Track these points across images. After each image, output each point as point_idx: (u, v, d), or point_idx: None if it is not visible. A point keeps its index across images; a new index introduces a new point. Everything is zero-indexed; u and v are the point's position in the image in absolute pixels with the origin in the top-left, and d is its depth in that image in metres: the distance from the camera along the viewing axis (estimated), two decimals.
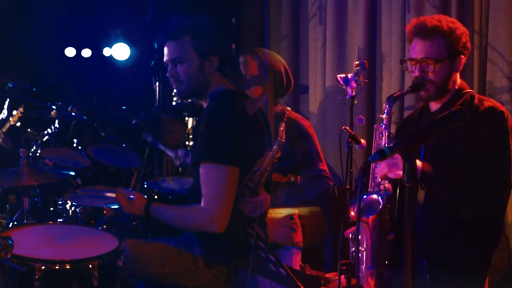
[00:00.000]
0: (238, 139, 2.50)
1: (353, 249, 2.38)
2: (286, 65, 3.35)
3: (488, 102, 2.39)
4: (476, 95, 2.44)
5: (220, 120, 2.51)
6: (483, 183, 2.27)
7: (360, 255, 2.27)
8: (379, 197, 2.28)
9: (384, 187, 2.33)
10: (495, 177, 2.28)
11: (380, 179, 2.35)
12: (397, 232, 2.34)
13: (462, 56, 2.42)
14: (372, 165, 2.38)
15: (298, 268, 3.16)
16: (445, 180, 2.30)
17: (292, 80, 3.39)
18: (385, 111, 2.42)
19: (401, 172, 2.24)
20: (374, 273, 2.26)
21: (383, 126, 2.44)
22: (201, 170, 2.50)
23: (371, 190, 2.37)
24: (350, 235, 2.42)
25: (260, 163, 2.59)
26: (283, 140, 2.66)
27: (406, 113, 3.72)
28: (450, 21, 2.41)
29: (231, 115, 2.53)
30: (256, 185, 2.58)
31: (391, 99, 2.41)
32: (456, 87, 2.44)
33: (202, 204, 2.47)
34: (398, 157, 2.24)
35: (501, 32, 3.30)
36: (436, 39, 2.37)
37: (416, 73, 2.41)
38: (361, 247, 2.29)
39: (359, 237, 2.27)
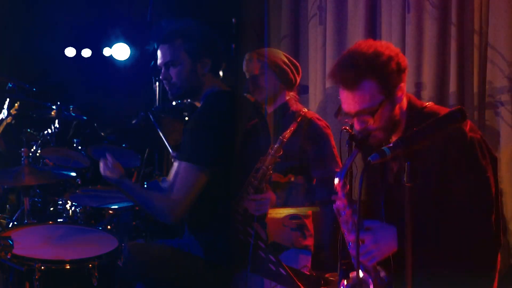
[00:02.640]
0: (224, 141, 2.52)
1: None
2: (286, 57, 3.34)
3: (441, 113, 1.97)
4: (429, 106, 2.14)
5: (206, 121, 2.55)
6: (465, 208, 2.01)
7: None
8: (368, 278, 2.05)
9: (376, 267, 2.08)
10: (475, 199, 2.02)
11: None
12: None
13: (402, 83, 2.07)
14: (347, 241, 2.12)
15: (307, 272, 3.14)
16: (425, 215, 2.04)
17: (299, 68, 3.37)
18: (337, 188, 2.08)
19: (372, 263, 2.03)
20: None
21: (342, 205, 2.11)
22: (177, 165, 2.55)
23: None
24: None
25: (263, 161, 2.63)
26: (284, 140, 2.70)
27: None
28: (373, 54, 2.02)
29: (218, 117, 2.55)
30: (260, 183, 2.60)
31: (342, 172, 2.05)
32: (405, 109, 2.12)
33: (169, 195, 2.51)
34: (368, 243, 2.03)
35: (501, 32, 3.30)
36: (365, 86, 2.01)
37: (357, 127, 2.09)
38: None
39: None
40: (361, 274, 2.06)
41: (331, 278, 3.15)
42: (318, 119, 3.27)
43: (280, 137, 2.72)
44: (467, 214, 2.01)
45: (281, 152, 2.70)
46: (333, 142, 3.20)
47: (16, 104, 4.25)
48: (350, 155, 2.05)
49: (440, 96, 3.60)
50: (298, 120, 2.84)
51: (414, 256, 1.94)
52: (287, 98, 3.34)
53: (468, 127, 2.04)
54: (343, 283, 2.10)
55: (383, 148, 1.76)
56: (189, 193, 2.49)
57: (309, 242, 3.25)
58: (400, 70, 2.06)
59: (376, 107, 2.02)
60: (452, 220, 2.03)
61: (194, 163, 2.48)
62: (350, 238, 2.10)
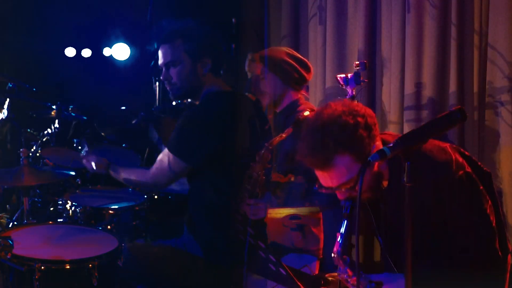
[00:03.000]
0: (212, 139, 2.57)
1: None
2: (289, 54, 3.23)
3: (434, 161, 1.94)
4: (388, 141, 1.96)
5: (196, 118, 2.60)
6: (468, 243, 1.94)
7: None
8: None
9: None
10: (480, 238, 1.95)
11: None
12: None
13: (375, 143, 1.95)
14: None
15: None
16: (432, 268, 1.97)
17: (307, 64, 3.25)
18: (339, 262, 2.01)
19: None
20: None
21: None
22: (164, 150, 2.68)
23: None
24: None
25: (253, 168, 2.61)
26: (270, 147, 2.64)
27: (406, 113, 3.72)
28: (336, 123, 1.89)
29: (211, 116, 2.58)
30: (253, 188, 2.59)
31: (338, 249, 1.97)
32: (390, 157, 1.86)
33: (151, 174, 2.73)
34: None
35: (501, 32, 3.30)
36: (339, 162, 1.90)
37: (340, 197, 1.99)
38: None
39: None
40: None
41: (331, 278, 3.15)
42: None
43: (266, 144, 2.66)
44: (472, 250, 1.96)
45: (270, 158, 2.66)
46: None
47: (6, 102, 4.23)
48: (344, 227, 1.98)
49: (440, 96, 3.60)
50: (293, 126, 2.79)
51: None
52: (296, 97, 3.25)
53: (453, 166, 1.95)
54: None
55: (383, 148, 1.75)
56: (171, 180, 2.73)
57: (315, 247, 3.21)
58: (370, 132, 1.93)
59: (356, 177, 1.90)
60: (456, 257, 1.98)
61: (180, 157, 2.60)
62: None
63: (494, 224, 1.98)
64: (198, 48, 2.63)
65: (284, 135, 2.76)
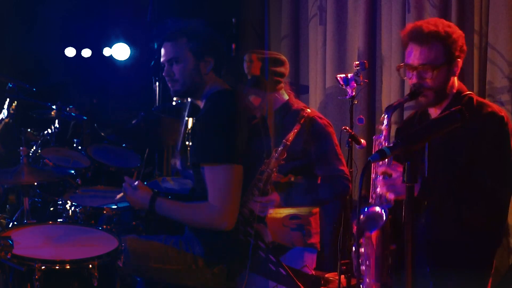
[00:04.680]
0: (235, 137, 2.53)
1: (355, 263, 2.33)
2: (257, 56, 3.29)
3: (488, 107, 2.33)
4: (475, 98, 2.39)
5: (216, 120, 2.55)
6: (486, 189, 2.22)
7: (363, 267, 2.20)
8: (382, 210, 2.20)
9: (386, 198, 2.24)
10: (498, 182, 2.23)
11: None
12: (399, 240, 2.29)
13: (459, 59, 2.36)
14: (373, 175, 2.30)
15: (313, 270, 3.13)
16: (447, 188, 2.25)
17: (280, 59, 3.32)
18: (384, 122, 2.30)
19: (393, 197, 2.19)
20: (378, 285, 2.22)
21: (382, 137, 2.31)
22: (205, 171, 2.53)
23: (373, 202, 2.28)
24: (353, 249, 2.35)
25: (267, 164, 2.66)
26: (288, 143, 2.72)
27: (406, 113, 3.72)
28: (446, 25, 2.34)
29: (227, 115, 2.56)
30: (265, 185, 2.63)
31: (389, 109, 2.30)
32: (454, 91, 2.38)
33: (211, 202, 2.50)
34: (396, 177, 2.18)
35: (501, 32, 3.30)
36: (433, 45, 2.30)
37: (414, 80, 2.34)
38: (365, 262, 2.18)
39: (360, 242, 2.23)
40: (377, 208, 2.21)
41: (331, 278, 3.16)
42: (320, 117, 3.25)
43: (284, 140, 2.74)
44: (489, 183, 2.22)
45: (285, 155, 2.73)
46: (336, 140, 3.20)
47: (13, 104, 4.24)
48: (398, 101, 2.34)
49: None
50: (302, 122, 2.84)
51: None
52: (286, 97, 3.32)
53: (506, 116, 2.30)
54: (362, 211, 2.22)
55: (383, 148, 1.77)
56: (231, 192, 2.49)
57: (315, 239, 3.25)
58: (462, 51, 2.36)
59: (437, 65, 2.29)
60: (473, 189, 2.23)
61: (223, 163, 2.49)
62: (379, 169, 2.25)
63: None
64: (202, 47, 2.64)
65: (296, 130, 2.81)
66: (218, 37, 2.73)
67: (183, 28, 2.67)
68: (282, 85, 3.33)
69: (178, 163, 3.41)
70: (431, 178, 2.30)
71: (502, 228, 2.36)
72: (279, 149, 2.71)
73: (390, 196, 2.20)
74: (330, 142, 3.19)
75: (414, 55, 2.33)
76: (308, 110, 3.04)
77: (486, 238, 2.29)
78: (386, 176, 2.21)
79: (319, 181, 3.22)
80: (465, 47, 2.37)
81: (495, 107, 2.35)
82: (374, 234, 2.15)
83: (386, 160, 2.19)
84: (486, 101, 2.43)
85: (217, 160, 2.50)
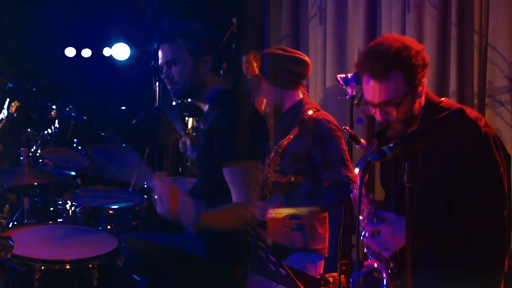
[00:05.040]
0: (248, 133, 2.54)
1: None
2: (281, 53, 3.15)
3: (469, 113, 2.08)
4: (446, 105, 2.18)
5: (233, 119, 2.55)
6: (478, 201, 2.05)
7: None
8: (381, 268, 2.06)
9: (381, 255, 2.10)
10: (489, 193, 2.05)
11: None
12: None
13: (424, 79, 2.12)
14: (361, 230, 2.13)
15: (318, 275, 3.09)
16: (438, 208, 2.10)
17: (302, 59, 3.15)
18: (357, 177, 2.06)
19: (388, 254, 2.07)
20: None
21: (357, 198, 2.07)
22: (228, 170, 2.51)
23: (368, 254, 2.13)
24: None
25: (261, 170, 2.64)
26: (280, 150, 2.68)
27: None
28: (401, 47, 2.07)
29: (238, 114, 2.57)
30: (262, 190, 2.62)
31: (362, 161, 2.00)
32: (423, 105, 2.16)
33: (239, 200, 2.48)
34: (386, 234, 2.06)
35: (501, 32, 3.30)
36: (392, 78, 2.05)
37: (378, 118, 2.12)
38: None
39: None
40: (375, 264, 2.09)
41: (331, 278, 3.15)
42: (328, 121, 3.08)
43: (276, 146, 2.70)
44: (479, 207, 2.05)
45: (279, 161, 2.70)
46: (343, 145, 3.05)
47: (13, 104, 4.23)
48: (370, 145, 2.08)
49: (440, 96, 3.60)
50: (299, 126, 2.80)
51: (424, 250, 2.05)
52: (299, 97, 3.20)
53: (483, 122, 2.09)
54: (356, 273, 2.08)
55: (383, 148, 1.77)
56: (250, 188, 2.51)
57: (320, 245, 3.19)
58: (425, 65, 2.11)
59: (401, 98, 2.06)
60: (464, 214, 2.07)
61: (246, 161, 2.50)
62: (366, 228, 2.12)
63: (506, 191, 2.08)
64: (199, 47, 2.63)
65: (291, 136, 2.77)
66: (216, 36, 2.72)
67: (180, 29, 2.66)
68: (297, 85, 3.22)
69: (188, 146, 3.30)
70: (414, 214, 2.01)
71: (508, 236, 2.18)
72: (271, 155, 2.69)
73: (385, 253, 2.09)
74: (336, 147, 3.02)
75: (374, 92, 2.09)
76: (310, 112, 2.97)
77: (491, 250, 2.14)
78: (376, 233, 2.08)
79: (324, 185, 3.14)
80: (427, 60, 2.13)
81: (473, 114, 2.12)
82: None
83: (370, 213, 2.10)
84: (463, 107, 2.11)
85: (241, 159, 2.49)
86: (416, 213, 2.03)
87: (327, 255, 3.19)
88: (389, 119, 2.10)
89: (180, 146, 3.29)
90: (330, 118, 3.13)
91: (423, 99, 2.17)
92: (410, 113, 2.12)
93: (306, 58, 3.18)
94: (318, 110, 3.11)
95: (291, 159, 2.99)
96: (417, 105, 2.13)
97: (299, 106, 3.15)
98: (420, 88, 2.12)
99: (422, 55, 2.11)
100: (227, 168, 2.52)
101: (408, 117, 2.12)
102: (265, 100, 3.24)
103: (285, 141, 2.75)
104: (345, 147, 3.04)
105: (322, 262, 3.16)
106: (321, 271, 3.14)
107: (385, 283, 2.03)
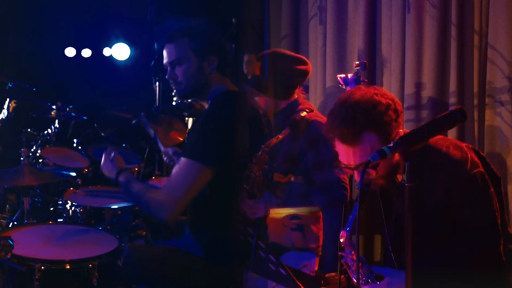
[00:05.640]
0: (229, 141, 2.52)
1: None
2: (285, 59, 3.22)
3: (449, 157, 1.99)
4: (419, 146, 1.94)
5: (213, 121, 2.53)
6: (474, 241, 1.97)
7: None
8: None
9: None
10: (485, 232, 1.98)
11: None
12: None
13: (399, 129, 2.01)
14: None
15: (312, 273, 3.10)
16: (432, 256, 2.03)
17: (303, 60, 3.22)
18: (345, 243, 2.01)
19: None
20: None
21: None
22: (179, 161, 2.53)
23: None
24: None
25: (251, 169, 2.62)
26: (267, 149, 2.66)
27: (406, 113, 3.72)
28: (369, 101, 1.96)
29: (227, 118, 2.54)
30: (251, 188, 2.60)
31: (347, 229, 1.98)
32: (398, 154, 2.00)
33: (164, 190, 2.50)
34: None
35: (501, 32, 3.30)
36: (365, 139, 1.95)
37: (357, 178, 2.02)
38: None
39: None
40: None
41: (331, 278, 3.15)
42: (319, 122, 3.10)
43: (263, 146, 2.68)
44: (476, 250, 1.99)
45: (266, 159, 2.68)
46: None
47: (12, 103, 4.22)
48: (352, 210, 2.01)
49: (440, 96, 3.60)
50: (291, 126, 2.81)
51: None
52: (294, 98, 3.24)
53: (468, 164, 1.98)
54: None
55: (383, 148, 1.76)
56: (189, 190, 2.47)
57: (314, 244, 3.21)
58: (398, 117, 2.01)
59: (375, 162, 1.87)
60: (460, 256, 2.01)
61: (196, 160, 2.47)
62: None
63: (500, 228, 2.00)
64: (204, 46, 2.60)
65: (280, 136, 2.76)
66: (221, 35, 2.69)
67: (184, 28, 2.62)
68: (294, 90, 3.26)
69: (170, 149, 3.36)
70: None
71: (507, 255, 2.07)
72: (258, 154, 2.65)
73: None
74: (328, 148, 3.03)
75: (348, 156, 2.00)
76: (303, 114, 2.98)
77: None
78: None
79: (315, 186, 3.16)
80: (400, 109, 2.01)
81: (456, 154, 1.99)
82: None
83: (362, 271, 2.04)
84: (444, 147, 2.03)
85: (194, 157, 2.48)
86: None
87: (320, 253, 3.21)
88: (370, 178, 2.00)
89: (165, 159, 3.34)
90: (323, 119, 3.12)
91: (396, 153, 1.97)
92: (390, 167, 2.02)
93: (307, 67, 3.20)
94: (311, 111, 3.12)
95: (284, 159, 3.00)
96: (396, 156, 2.01)
97: (294, 106, 3.18)
98: (395, 141, 1.89)
99: (394, 106, 2.00)
100: (180, 160, 2.53)
101: (389, 170, 2.03)
102: (265, 99, 3.26)
103: (273, 140, 2.73)
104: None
105: (317, 260, 3.18)
106: (316, 269, 3.15)
107: None
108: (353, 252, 2.03)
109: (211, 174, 2.49)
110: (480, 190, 1.98)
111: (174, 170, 2.53)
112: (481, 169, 2.01)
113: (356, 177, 2.04)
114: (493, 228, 1.99)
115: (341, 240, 2.02)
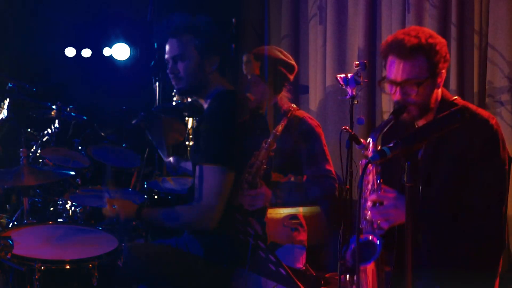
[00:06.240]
0: (235, 140, 2.52)
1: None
2: (280, 58, 3.28)
3: (477, 115, 2.19)
4: (461, 104, 2.26)
5: (220, 122, 2.54)
6: (480, 198, 2.13)
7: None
8: (376, 239, 2.11)
9: (379, 225, 2.16)
10: (491, 192, 2.14)
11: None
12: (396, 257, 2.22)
13: (443, 70, 2.23)
14: (362, 200, 2.20)
15: (302, 267, 3.14)
16: (441, 203, 2.17)
17: (292, 65, 3.30)
18: (370, 147, 2.16)
19: (387, 226, 2.12)
20: None
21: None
22: (202, 170, 2.53)
23: (363, 228, 2.18)
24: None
25: (257, 156, 2.66)
26: (278, 133, 2.76)
27: None
28: (428, 35, 2.19)
29: (230, 118, 2.55)
30: (254, 178, 2.63)
31: (375, 133, 2.17)
32: (439, 100, 2.26)
33: (196, 202, 2.52)
34: (388, 206, 2.12)
35: (501, 32, 3.30)
36: (417, 59, 2.16)
37: (398, 96, 2.20)
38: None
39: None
40: (369, 236, 2.13)
41: (331, 278, 3.15)
42: (310, 118, 3.28)
43: (273, 130, 2.76)
44: (478, 205, 2.11)
45: (275, 146, 2.74)
46: (324, 141, 3.23)
47: (5, 102, 4.22)
48: (383, 123, 2.18)
49: None
50: (288, 115, 2.90)
51: (423, 239, 2.11)
52: (278, 97, 3.31)
53: (494, 121, 2.17)
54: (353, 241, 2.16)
55: (383, 148, 1.77)
56: (220, 195, 2.49)
57: (303, 237, 3.26)
58: (446, 59, 2.22)
59: (422, 80, 2.15)
60: (466, 207, 2.13)
61: (222, 165, 2.48)
62: (370, 197, 2.17)
63: (507, 188, 2.16)
64: (208, 45, 2.60)
65: (283, 124, 2.84)
66: (224, 35, 2.71)
67: (189, 25, 2.63)
68: (280, 91, 3.34)
69: (172, 159, 3.40)
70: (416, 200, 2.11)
71: (503, 233, 2.25)
72: (269, 140, 2.73)
73: (384, 225, 2.14)
74: (320, 143, 3.22)
75: (397, 70, 2.19)
76: (295, 107, 3.10)
77: (487, 246, 2.21)
78: (377, 203, 2.14)
79: (305, 180, 3.24)
80: (448, 56, 2.25)
81: (484, 113, 2.23)
82: (369, 267, 2.09)
83: (375, 185, 2.16)
84: (474, 106, 2.30)
85: (214, 161, 2.49)
86: (418, 208, 2.07)
87: (306, 246, 3.26)
88: (408, 100, 2.18)
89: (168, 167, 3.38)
90: (310, 116, 3.34)
91: (440, 93, 2.26)
92: (427, 100, 2.20)
93: (294, 63, 3.33)
94: (298, 109, 3.27)
95: (280, 155, 3.03)
96: (434, 96, 2.22)
97: (277, 106, 3.27)
98: (439, 79, 2.20)
99: (445, 49, 2.21)
100: (197, 167, 2.54)
101: (425, 103, 2.20)
102: (261, 93, 3.29)
103: (279, 127, 2.84)
104: (325, 143, 3.23)
105: (304, 253, 3.23)
106: (304, 262, 3.20)
107: (378, 250, 2.08)
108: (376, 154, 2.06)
109: (235, 174, 2.53)
110: (498, 147, 2.15)
111: (199, 180, 2.53)
112: (502, 132, 2.19)
113: (397, 96, 2.19)
114: (501, 185, 2.15)
115: (368, 141, 2.19)
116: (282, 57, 3.28)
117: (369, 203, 2.16)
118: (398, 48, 2.18)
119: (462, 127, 2.01)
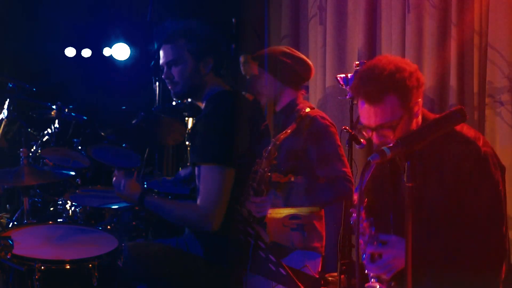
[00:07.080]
0: (233, 140, 2.52)
1: None
2: (286, 53, 3.17)
3: (463, 135, 2.07)
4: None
5: (217, 121, 2.55)
6: (477, 222, 2.02)
7: None
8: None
9: (382, 278, 2.07)
10: (487, 215, 2.03)
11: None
12: None
13: (419, 99, 2.10)
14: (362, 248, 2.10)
15: (317, 274, 3.10)
16: (433, 237, 2.06)
17: (306, 62, 3.18)
18: (357, 201, 1.95)
19: (390, 276, 2.04)
20: None
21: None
22: (200, 170, 2.54)
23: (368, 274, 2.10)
24: None
25: (259, 164, 2.64)
26: (278, 143, 2.69)
27: None
28: (394, 69, 2.04)
29: (227, 116, 2.56)
30: (259, 185, 2.62)
31: (361, 187, 1.92)
32: (420, 123, 2.13)
33: (199, 202, 2.51)
34: (387, 258, 2.04)
35: (501, 32, 3.30)
36: (387, 101, 2.03)
37: (375, 141, 2.10)
38: None
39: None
40: (377, 285, 2.06)
41: (331, 278, 3.15)
42: (322, 117, 3.13)
43: (273, 139, 2.71)
44: (479, 227, 2.03)
45: (276, 154, 2.70)
46: (338, 141, 3.09)
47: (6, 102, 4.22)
48: (368, 169, 1.98)
49: (440, 96, 3.60)
50: (297, 121, 2.83)
51: (422, 269, 1.99)
52: (294, 95, 3.21)
53: (481, 141, 2.07)
54: None
55: (383, 148, 1.76)
56: (220, 195, 2.49)
57: (318, 243, 3.20)
58: (419, 86, 2.09)
59: (397, 121, 2.04)
60: (464, 233, 2.04)
61: (218, 164, 2.49)
62: (367, 250, 2.10)
63: (504, 209, 2.06)
64: (200, 48, 2.62)
65: (289, 131, 2.79)
66: (217, 36, 2.71)
67: (181, 29, 2.65)
68: (297, 85, 3.24)
69: (183, 172, 3.38)
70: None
71: (506, 253, 2.12)
72: (269, 148, 2.69)
73: (387, 276, 2.06)
74: (332, 143, 3.07)
75: (369, 116, 2.07)
76: (307, 110, 3.00)
77: (490, 266, 2.09)
78: (377, 256, 2.06)
79: (320, 182, 3.17)
80: (422, 79, 2.10)
81: (470, 133, 2.09)
82: None
83: (368, 231, 2.08)
84: (459, 126, 2.07)
85: (211, 161, 2.50)
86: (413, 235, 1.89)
87: (324, 254, 3.20)
88: (387, 142, 2.01)
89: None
90: (325, 115, 3.17)
91: (420, 118, 2.14)
92: (411, 125, 2.09)
93: (310, 63, 3.21)
94: (313, 109, 3.13)
95: (286, 156, 3.00)
96: (414, 125, 2.11)
97: (293, 105, 3.18)
98: (416, 108, 2.09)
99: (416, 75, 2.08)
100: (197, 168, 2.55)
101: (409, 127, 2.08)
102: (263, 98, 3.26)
103: (282, 135, 2.76)
104: (339, 143, 3.07)
105: (320, 260, 3.17)
106: (319, 269, 3.15)
107: None
108: (363, 211, 2.06)
109: (234, 172, 2.52)
110: (490, 168, 2.04)
111: (199, 180, 2.54)
112: (491, 150, 2.08)
113: (374, 139, 2.10)
114: (498, 206, 2.04)
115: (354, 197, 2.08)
116: (285, 49, 3.19)
117: (365, 256, 2.08)
118: (365, 93, 2.06)
119: (448, 152, 2.01)
